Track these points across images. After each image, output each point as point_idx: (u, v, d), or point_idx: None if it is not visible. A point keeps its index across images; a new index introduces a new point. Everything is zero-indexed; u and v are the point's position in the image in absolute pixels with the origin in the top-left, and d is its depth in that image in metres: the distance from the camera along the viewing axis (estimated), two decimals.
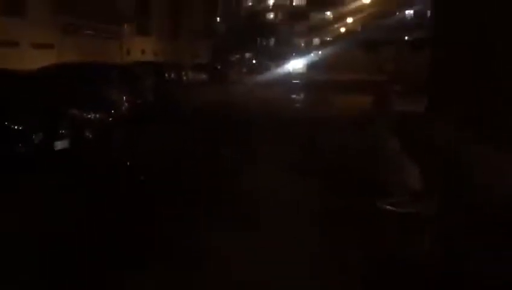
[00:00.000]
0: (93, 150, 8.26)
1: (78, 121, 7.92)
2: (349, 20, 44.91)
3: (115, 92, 10.39)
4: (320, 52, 50.99)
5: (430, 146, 9.58)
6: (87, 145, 8.15)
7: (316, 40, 64.93)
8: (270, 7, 70.00)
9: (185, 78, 28.07)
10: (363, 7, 38.78)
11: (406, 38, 23.71)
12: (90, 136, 8.17)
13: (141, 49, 36.48)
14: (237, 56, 58.81)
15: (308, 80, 31.68)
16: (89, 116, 8.47)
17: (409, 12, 38.41)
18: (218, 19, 55.98)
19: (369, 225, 5.61)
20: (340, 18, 47.34)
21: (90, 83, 9.63)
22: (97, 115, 8.77)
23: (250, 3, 69.55)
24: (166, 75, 23.21)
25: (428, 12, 24.62)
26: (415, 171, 7.59)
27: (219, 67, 39.75)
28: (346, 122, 14.21)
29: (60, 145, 7.47)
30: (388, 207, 6.02)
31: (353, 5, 48.23)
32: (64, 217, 5.59)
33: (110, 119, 9.32)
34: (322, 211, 6.10)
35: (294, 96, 25.84)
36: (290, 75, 42.55)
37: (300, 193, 6.95)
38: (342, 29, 45.99)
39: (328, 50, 39.75)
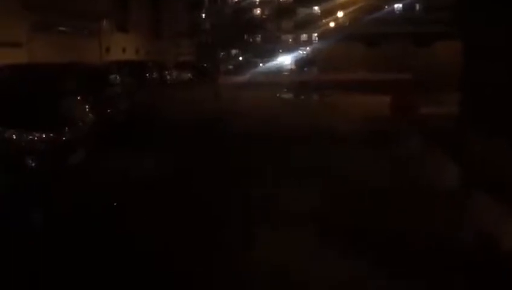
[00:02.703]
0: (37, 186, 6.08)
1: (15, 145, 5.81)
2: (340, 14, 42.89)
3: (74, 101, 8.14)
4: (312, 48, 49.04)
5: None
6: (31, 178, 6.02)
7: (305, 36, 62.99)
8: (257, 3, 67.84)
9: (168, 77, 25.92)
10: (355, 0, 36.83)
11: (411, 32, 21.93)
12: (33, 165, 6.01)
13: (122, 47, 34.15)
14: (223, 53, 56.78)
15: (300, 78, 29.68)
16: (33, 137, 6.29)
17: (409, 4, 36.58)
18: (203, 15, 53.93)
19: None
20: (330, 12, 45.31)
21: (37, 91, 7.32)
22: (46, 135, 6.57)
23: None
24: (148, 75, 21.09)
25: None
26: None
27: (205, 65, 37.68)
28: (357, 133, 11.26)
29: None
30: None
31: None
32: None
33: (65, 139, 7.03)
34: None
35: (285, 96, 23.78)
36: (279, 73, 40.52)
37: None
38: (333, 24, 44.00)
39: (321, 45, 37.72)
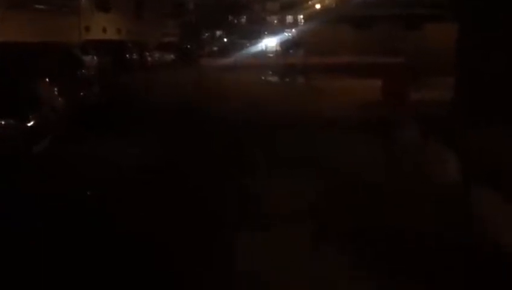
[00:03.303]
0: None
1: None
2: None
3: (41, 83, 7.45)
4: (298, 30, 48.25)
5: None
6: None
7: (291, 18, 62.07)
8: None
9: (149, 58, 25.10)
10: None
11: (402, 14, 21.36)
12: None
13: (102, 26, 33.12)
14: (207, 34, 55.77)
15: (286, 61, 29.03)
16: None
17: None
18: None
19: None
20: None
21: None
22: (5, 122, 5.89)
23: None
24: (127, 56, 20.31)
25: None
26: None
27: (188, 46, 36.80)
28: (347, 119, 10.60)
29: None
30: None
31: None
32: None
33: (29, 125, 6.36)
34: None
35: (270, 79, 23.07)
36: (264, 56, 39.68)
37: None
38: (320, 5, 43.24)
39: (307, 28, 36.99)
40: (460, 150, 7.23)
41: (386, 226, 4.81)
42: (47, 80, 7.79)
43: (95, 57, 17.10)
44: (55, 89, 7.80)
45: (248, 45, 47.83)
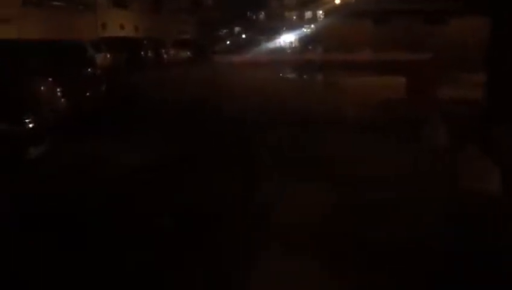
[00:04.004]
0: None
1: None
2: None
3: (43, 83, 7.00)
4: (317, 26, 47.44)
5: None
6: None
7: (309, 13, 61.20)
8: None
9: (165, 56, 24.69)
10: None
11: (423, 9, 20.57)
12: None
13: (119, 23, 32.83)
14: (225, 31, 55.33)
15: (304, 57, 28.39)
16: None
17: None
18: None
19: None
20: None
21: None
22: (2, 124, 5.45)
23: None
24: (142, 53, 19.91)
25: None
26: None
27: (205, 43, 36.39)
28: (369, 120, 9.86)
29: None
30: None
31: None
32: None
33: (28, 127, 5.90)
34: None
35: (288, 76, 22.47)
36: (282, 52, 39.09)
37: None
38: (339, 0, 42.43)
39: (326, 23, 36.26)
40: (494, 152, 6.60)
41: (411, 238, 4.28)
42: (50, 79, 7.33)
43: (108, 55, 16.71)
44: (59, 89, 7.32)
45: (266, 41, 47.27)
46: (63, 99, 7.38)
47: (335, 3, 45.11)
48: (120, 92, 11.38)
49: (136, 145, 7.34)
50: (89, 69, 10.00)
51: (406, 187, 5.65)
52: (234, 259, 3.95)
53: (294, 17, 63.14)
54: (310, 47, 39.04)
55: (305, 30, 52.00)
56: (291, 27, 55.09)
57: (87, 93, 8.51)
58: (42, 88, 6.90)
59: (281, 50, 41.95)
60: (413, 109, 10.69)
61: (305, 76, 22.00)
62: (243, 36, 53.83)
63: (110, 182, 5.77)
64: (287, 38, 50.25)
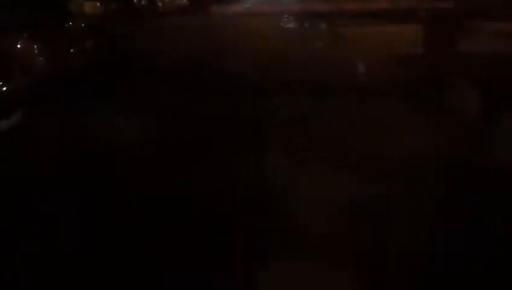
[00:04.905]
0: None
1: None
2: None
3: (16, 39, 5.95)
4: None
5: None
6: None
7: None
8: None
9: (160, 4, 23.21)
10: None
11: None
12: None
13: None
14: None
15: (307, 6, 26.87)
16: None
17: None
18: None
19: None
20: None
21: None
22: None
23: None
24: (135, 1, 18.56)
25: None
26: None
27: None
28: (383, 78, 8.60)
29: None
30: None
31: None
32: None
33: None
34: None
35: (289, 26, 21.13)
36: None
37: None
38: None
39: None
40: None
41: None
42: (25, 35, 6.28)
43: (98, 4, 15.43)
44: (35, 46, 6.28)
45: None
46: (41, 58, 6.33)
47: None
48: (111, 47, 10.26)
49: (130, 115, 6.31)
50: (74, 21, 8.86)
51: (424, 159, 4.71)
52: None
53: None
54: None
55: None
56: None
57: (72, 50, 7.42)
58: (14, 45, 5.85)
59: None
60: (434, 67, 9.59)
61: (308, 25, 20.73)
62: None
63: (99, 163, 4.85)
64: None
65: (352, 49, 12.40)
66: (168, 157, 5.06)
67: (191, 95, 7.68)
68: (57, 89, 6.29)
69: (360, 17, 15.70)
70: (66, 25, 8.01)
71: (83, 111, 6.20)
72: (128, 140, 5.38)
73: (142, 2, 19.06)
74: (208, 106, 7.16)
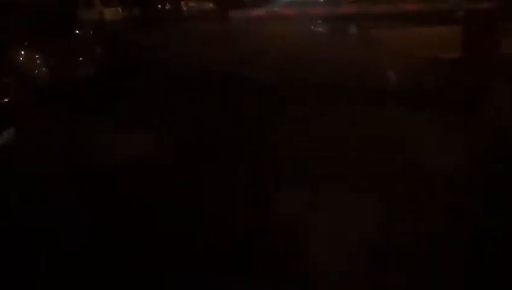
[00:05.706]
0: None
1: None
2: None
3: (18, 50, 5.50)
4: None
5: None
6: None
7: None
8: None
9: (184, 8, 22.87)
10: None
11: None
12: None
13: None
14: None
15: (338, 8, 26.20)
16: None
17: None
18: None
19: None
20: None
21: None
22: None
23: None
24: (159, 6, 18.21)
25: None
26: None
27: None
28: (418, 83, 7.95)
29: None
30: None
31: None
32: None
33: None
34: None
35: (319, 29, 20.59)
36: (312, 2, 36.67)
37: None
38: None
39: None
40: None
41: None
42: (25, 44, 5.82)
43: (120, 10, 15.09)
44: (37, 56, 5.81)
45: None
46: (44, 69, 5.87)
47: None
48: (125, 54, 9.77)
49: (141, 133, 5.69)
50: (82, 29, 8.42)
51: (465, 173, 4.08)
52: None
53: None
54: None
55: None
56: None
57: (74, 60, 6.91)
58: (16, 55, 5.39)
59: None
60: (471, 70, 8.81)
61: (338, 28, 20.16)
62: None
63: (106, 182, 4.29)
64: None
65: (383, 51, 11.85)
66: (188, 170, 4.50)
67: (214, 104, 7.12)
68: (62, 101, 5.78)
69: (394, 19, 15.04)
70: (72, 34, 7.55)
71: (85, 122, 5.69)
72: (135, 156, 4.81)
73: (166, 7, 18.66)
74: (232, 113, 6.59)
